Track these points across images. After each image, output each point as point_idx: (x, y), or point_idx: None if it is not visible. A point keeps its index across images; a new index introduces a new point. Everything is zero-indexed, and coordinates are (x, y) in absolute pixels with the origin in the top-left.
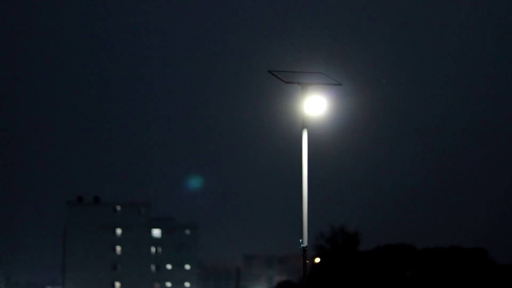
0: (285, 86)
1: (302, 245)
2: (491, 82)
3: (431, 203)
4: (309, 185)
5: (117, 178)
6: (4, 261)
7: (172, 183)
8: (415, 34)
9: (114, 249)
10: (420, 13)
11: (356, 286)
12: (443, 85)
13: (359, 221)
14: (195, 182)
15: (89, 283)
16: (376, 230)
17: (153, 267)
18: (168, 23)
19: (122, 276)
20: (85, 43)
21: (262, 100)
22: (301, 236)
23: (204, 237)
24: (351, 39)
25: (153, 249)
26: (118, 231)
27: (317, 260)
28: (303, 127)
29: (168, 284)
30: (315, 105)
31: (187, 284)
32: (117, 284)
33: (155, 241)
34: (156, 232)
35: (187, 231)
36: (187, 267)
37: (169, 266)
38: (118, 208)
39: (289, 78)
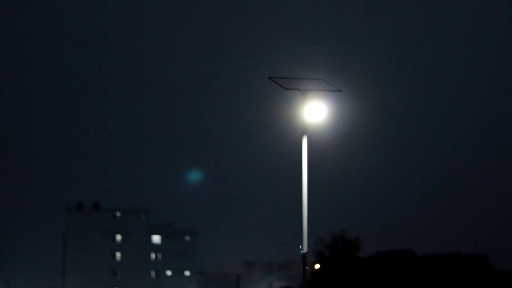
0: (285, 93)
1: (302, 251)
2: (490, 93)
3: (431, 209)
4: (309, 191)
5: (117, 185)
6: (5, 266)
7: (172, 189)
8: (414, 40)
9: (114, 255)
10: (420, 21)
11: None
12: (442, 92)
13: (359, 227)
14: (195, 176)
15: None
16: (376, 236)
17: (153, 274)
18: (168, 31)
19: (122, 282)
20: (84, 45)
21: (263, 107)
22: (301, 242)
23: (204, 243)
24: (351, 46)
25: (153, 255)
26: (118, 237)
27: (317, 266)
28: (303, 133)
29: None
30: (315, 111)
31: None
32: None
33: (155, 248)
34: (156, 239)
35: (187, 237)
36: (187, 273)
37: (169, 273)
38: (118, 214)
39: (289, 84)
